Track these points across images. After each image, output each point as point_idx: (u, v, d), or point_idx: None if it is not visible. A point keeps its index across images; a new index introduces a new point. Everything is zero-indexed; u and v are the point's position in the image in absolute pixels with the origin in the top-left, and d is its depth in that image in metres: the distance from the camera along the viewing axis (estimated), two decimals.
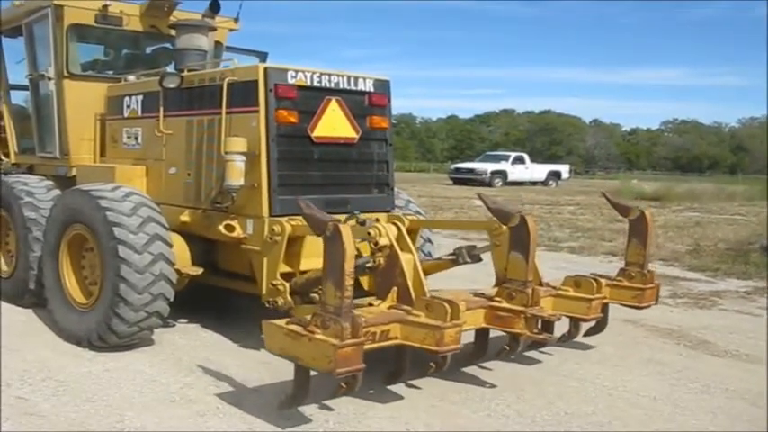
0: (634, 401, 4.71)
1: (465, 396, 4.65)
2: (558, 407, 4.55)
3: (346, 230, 3.72)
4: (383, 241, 4.54)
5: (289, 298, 5.15)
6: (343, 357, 3.63)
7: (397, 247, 4.59)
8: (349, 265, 3.68)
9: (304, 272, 5.32)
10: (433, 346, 4.12)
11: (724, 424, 4.40)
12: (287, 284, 5.16)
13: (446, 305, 4.16)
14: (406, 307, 4.33)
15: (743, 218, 19.70)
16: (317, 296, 4.93)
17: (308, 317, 3.88)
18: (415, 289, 4.49)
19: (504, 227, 5.03)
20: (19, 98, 8.06)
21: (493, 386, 4.85)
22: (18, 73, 7.78)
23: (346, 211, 5.50)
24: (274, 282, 5.18)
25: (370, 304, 4.48)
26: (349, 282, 3.69)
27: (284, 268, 5.25)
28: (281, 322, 4.00)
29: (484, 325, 4.74)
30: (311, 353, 3.74)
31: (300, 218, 5.23)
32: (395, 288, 4.51)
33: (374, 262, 4.59)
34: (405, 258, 4.56)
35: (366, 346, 3.82)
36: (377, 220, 5.61)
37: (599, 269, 10.13)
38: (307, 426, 4.02)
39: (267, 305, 5.27)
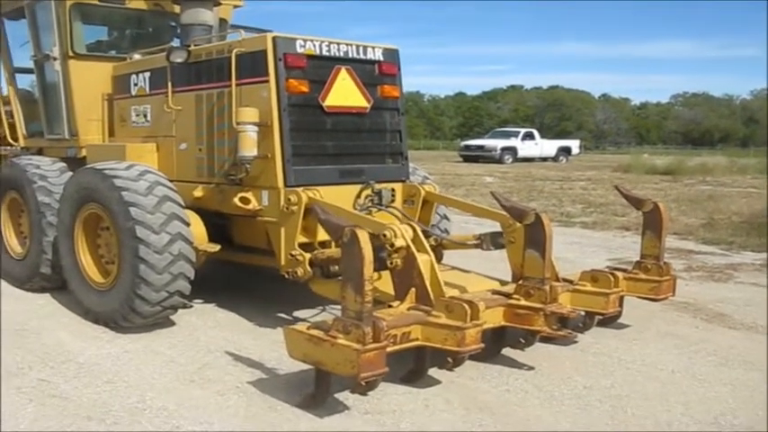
0: (652, 374, 4.71)
1: (482, 372, 4.66)
2: (576, 381, 4.56)
3: (363, 236, 3.68)
4: (399, 243, 4.46)
5: (308, 268, 5.12)
6: (366, 362, 3.62)
7: (413, 248, 4.51)
8: (368, 270, 3.66)
9: (322, 242, 5.28)
10: (454, 346, 4.10)
11: (743, 395, 4.39)
12: (306, 255, 5.13)
13: (466, 306, 4.12)
14: (425, 308, 4.29)
15: (757, 190, 19.54)
16: (337, 267, 4.90)
17: (329, 321, 3.87)
18: (433, 290, 4.45)
19: (519, 224, 4.96)
20: (24, 82, 8.04)
21: (510, 361, 4.85)
22: (23, 57, 7.76)
23: (361, 181, 5.48)
24: (293, 252, 5.15)
25: (390, 306, 4.46)
26: (369, 287, 3.67)
27: (302, 239, 5.22)
28: (302, 327, 4.00)
29: (503, 323, 4.71)
30: (334, 358, 3.73)
31: (317, 188, 5.22)
32: (413, 289, 4.47)
33: (391, 263, 4.53)
34: (422, 260, 4.50)
35: (388, 349, 3.80)
36: (393, 190, 5.59)
37: (613, 244, 10.32)
38: (327, 403, 4.03)
39: (287, 276, 5.25)
